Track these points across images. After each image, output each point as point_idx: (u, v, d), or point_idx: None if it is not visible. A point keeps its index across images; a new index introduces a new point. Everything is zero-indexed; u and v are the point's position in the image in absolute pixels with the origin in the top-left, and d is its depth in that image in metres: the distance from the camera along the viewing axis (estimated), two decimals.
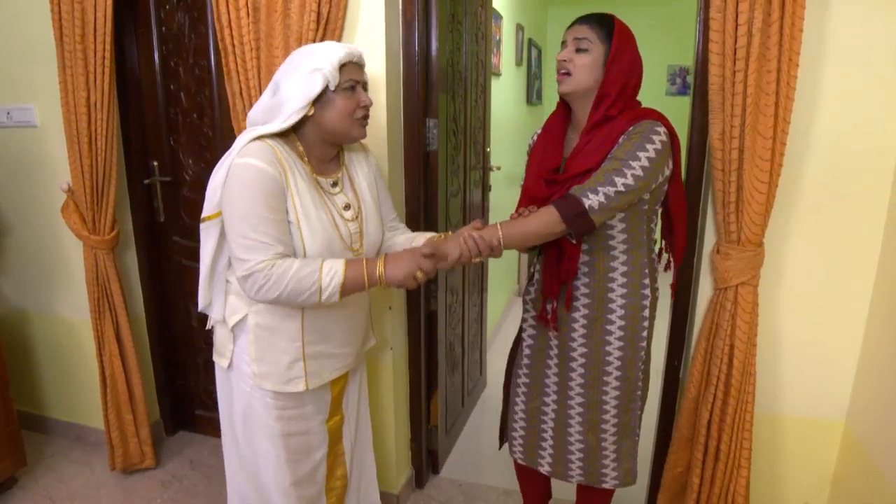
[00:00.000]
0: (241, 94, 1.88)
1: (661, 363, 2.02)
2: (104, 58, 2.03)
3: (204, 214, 1.43)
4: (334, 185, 1.48)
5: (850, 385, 1.73)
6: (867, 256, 1.65)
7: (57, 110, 2.14)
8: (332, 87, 1.35)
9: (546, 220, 1.38)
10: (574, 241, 1.47)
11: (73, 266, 2.41)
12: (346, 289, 1.34)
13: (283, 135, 1.41)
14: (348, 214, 1.48)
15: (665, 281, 1.62)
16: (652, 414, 2.06)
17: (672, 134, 1.44)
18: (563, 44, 1.50)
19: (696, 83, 1.72)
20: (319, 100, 1.36)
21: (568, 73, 1.47)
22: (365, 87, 1.45)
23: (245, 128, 1.86)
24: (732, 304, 1.64)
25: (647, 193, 1.43)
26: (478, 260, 1.40)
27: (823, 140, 1.61)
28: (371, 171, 1.60)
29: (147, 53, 2.30)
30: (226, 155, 1.39)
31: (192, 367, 2.62)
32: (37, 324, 2.57)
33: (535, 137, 1.66)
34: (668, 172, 1.44)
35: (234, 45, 1.83)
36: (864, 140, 1.59)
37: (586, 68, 1.45)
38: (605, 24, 1.44)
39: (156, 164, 2.39)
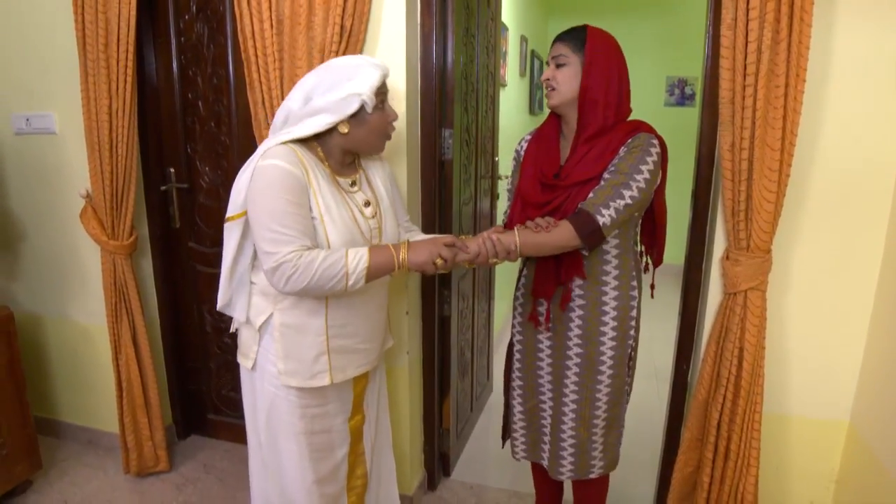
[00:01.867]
0: (262, 103, 1.92)
1: (668, 367, 2.08)
2: (126, 66, 2.07)
3: (228, 214, 1.49)
4: (353, 184, 1.55)
5: (854, 386, 1.79)
6: (870, 262, 1.72)
7: (76, 118, 2.19)
8: (368, 110, 1.43)
9: (564, 235, 1.45)
10: (586, 254, 1.55)
11: (88, 271, 2.44)
12: (371, 273, 1.39)
13: (302, 141, 1.47)
14: (368, 211, 1.54)
15: (645, 282, 1.71)
16: (660, 416, 2.12)
17: (662, 146, 1.53)
18: (547, 64, 1.60)
19: (704, 96, 1.78)
20: (354, 118, 1.43)
21: (553, 89, 1.57)
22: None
23: (266, 135, 1.94)
24: (742, 308, 1.71)
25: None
26: (494, 261, 1.47)
27: (828, 151, 1.68)
28: (386, 174, 1.67)
29: (166, 62, 2.35)
30: (250, 159, 1.45)
31: (205, 372, 2.65)
32: (51, 329, 2.60)
33: (525, 143, 1.73)
34: (658, 182, 1.54)
35: (256, 57, 1.88)
36: (867, 151, 1.66)
37: (567, 81, 1.54)
38: (578, 37, 1.53)
39: (172, 171, 2.43)
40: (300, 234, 1.37)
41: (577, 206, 1.48)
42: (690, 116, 4.73)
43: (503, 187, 3.26)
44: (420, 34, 1.97)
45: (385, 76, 1.46)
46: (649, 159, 1.47)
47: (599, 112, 1.51)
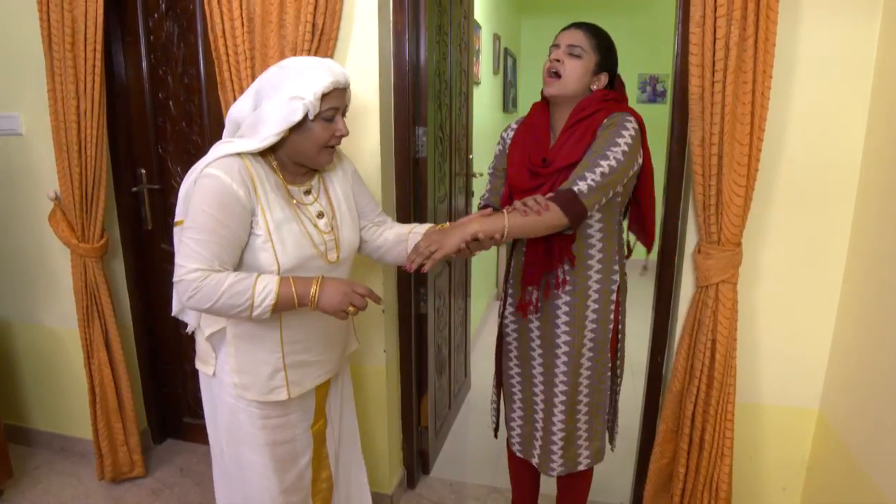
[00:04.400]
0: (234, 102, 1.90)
1: (643, 361, 2.11)
2: (94, 66, 2.04)
3: (176, 219, 1.43)
4: (307, 193, 1.49)
5: (822, 375, 1.84)
6: (836, 254, 1.76)
7: (43, 119, 2.14)
8: (311, 117, 1.34)
9: (552, 215, 1.41)
10: (570, 233, 1.55)
11: (58, 275, 2.39)
12: (278, 308, 1.34)
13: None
14: (322, 223, 1.48)
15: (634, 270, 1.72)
16: (636, 409, 2.15)
17: (641, 128, 1.54)
18: (556, 47, 1.56)
19: (674, 93, 1.81)
20: (297, 127, 1.36)
21: (558, 75, 1.54)
22: (345, 111, 1.44)
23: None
24: (714, 301, 1.74)
25: (620, 186, 1.49)
26: (476, 253, 1.47)
27: (795, 146, 1.71)
28: (348, 175, 1.60)
29: (135, 62, 2.31)
30: (198, 163, 1.39)
31: (180, 375, 2.62)
32: (21, 334, 2.54)
33: (512, 132, 1.73)
34: (640, 162, 1.54)
35: (228, 55, 1.86)
36: (832, 146, 1.70)
37: (576, 74, 1.54)
38: (601, 37, 1.56)
39: (143, 171, 2.40)
40: (213, 256, 1.31)
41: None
42: (662, 113, 4.79)
43: (478, 185, 3.27)
44: (393, 31, 1.96)
45: (337, 84, 1.35)
46: (625, 132, 1.48)
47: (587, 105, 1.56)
